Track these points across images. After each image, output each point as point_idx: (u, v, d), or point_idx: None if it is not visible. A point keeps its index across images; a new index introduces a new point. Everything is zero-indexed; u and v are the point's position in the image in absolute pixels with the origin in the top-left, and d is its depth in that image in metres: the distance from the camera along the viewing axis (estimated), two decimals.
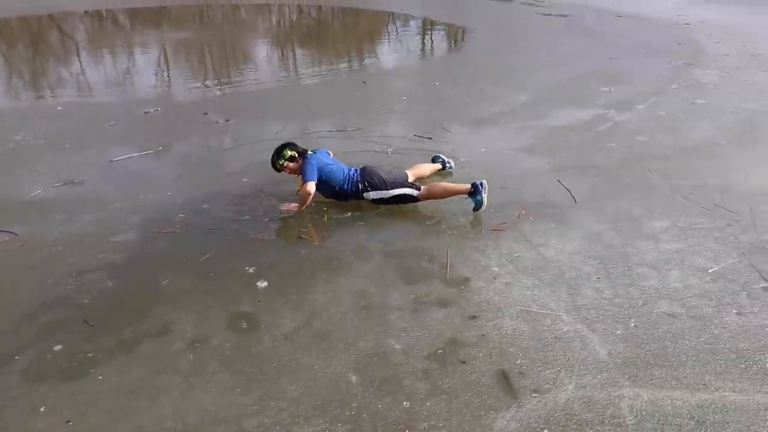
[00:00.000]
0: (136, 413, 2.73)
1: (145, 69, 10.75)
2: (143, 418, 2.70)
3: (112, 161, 5.76)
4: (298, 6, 20.56)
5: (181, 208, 4.75)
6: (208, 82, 9.55)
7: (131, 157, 5.85)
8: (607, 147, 6.05)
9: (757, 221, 4.37)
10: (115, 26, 17.12)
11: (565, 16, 15.95)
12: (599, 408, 2.71)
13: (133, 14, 18.62)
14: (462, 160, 5.63)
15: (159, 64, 11.13)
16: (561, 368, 2.96)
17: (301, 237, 4.27)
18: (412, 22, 16.73)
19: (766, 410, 2.67)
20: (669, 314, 3.36)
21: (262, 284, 3.70)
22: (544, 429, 2.60)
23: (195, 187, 5.19)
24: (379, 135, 6.46)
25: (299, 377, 2.93)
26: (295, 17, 19.03)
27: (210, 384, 2.90)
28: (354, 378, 2.92)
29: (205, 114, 7.37)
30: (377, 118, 7.14)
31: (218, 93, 8.98)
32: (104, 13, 18.53)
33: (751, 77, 8.88)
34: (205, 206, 4.78)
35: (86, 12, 18.53)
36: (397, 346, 3.13)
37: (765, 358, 3.00)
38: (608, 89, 8.30)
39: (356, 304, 3.49)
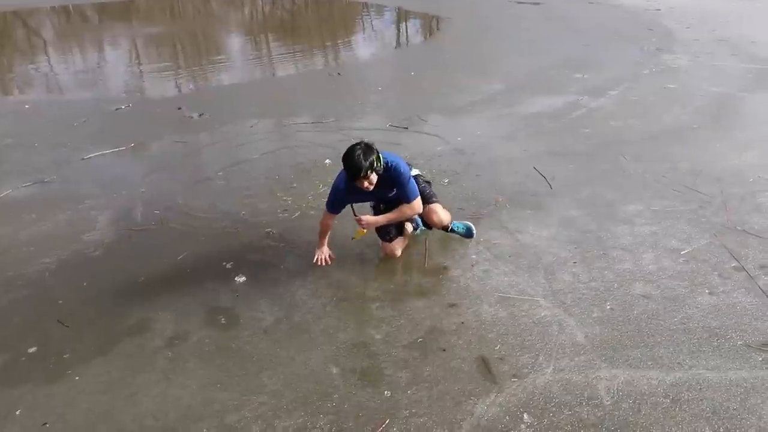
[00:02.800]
0: (115, 413, 2.70)
1: (116, 65, 10.56)
2: (122, 417, 2.67)
3: (83, 159, 5.66)
4: None
5: (155, 204, 4.69)
6: (180, 77, 9.41)
7: (103, 155, 5.75)
8: (581, 133, 6.11)
9: (727, 203, 4.45)
10: (83, 21, 16.77)
11: (537, 3, 16.02)
12: (577, 390, 2.75)
13: (101, 9, 18.25)
14: (438, 149, 5.64)
15: (129, 60, 10.93)
16: (539, 352, 3.00)
17: (270, 233, 4.24)
18: (386, 12, 16.66)
19: (738, 386, 2.74)
20: (644, 296, 3.42)
21: (240, 279, 3.67)
22: (523, 413, 2.63)
23: (169, 183, 5.12)
24: (355, 126, 6.43)
25: (280, 371, 2.92)
26: (267, 9, 18.83)
27: (190, 380, 2.88)
28: (335, 369, 2.93)
29: (179, 109, 7.28)
30: (353, 109, 7.12)
31: (192, 88, 8.87)
32: (71, 9, 18.13)
33: (720, 61, 9.02)
34: (180, 202, 4.73)
35: (53, 8, 18.10)
36: (378, 336, 3.14)
37: (736, 336, 3.06)
38: (581, 76, 8.37)
39: (335, 295, 3.48)
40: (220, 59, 10.82)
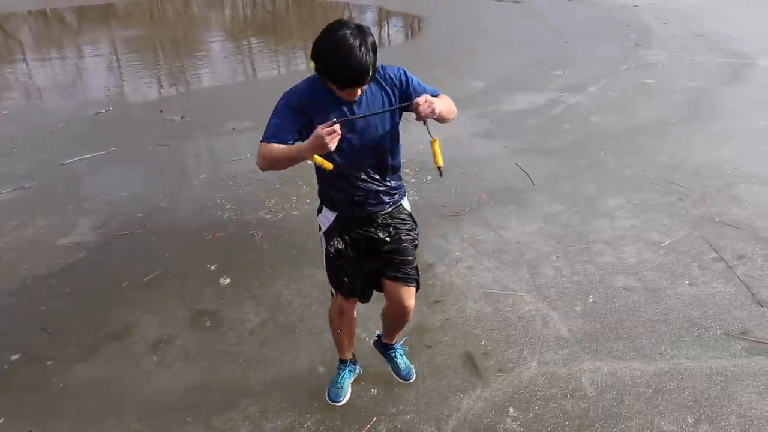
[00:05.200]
0: (101, 418, 2.68)
1: (95, 69, 10.46)
2: (108, 422, 2.66)
3: (63, 164, 5.60)
4: None
5: (138, 208, 4.66)
6: (162, 80, 9.34)
7: (83, 159, 5.69)
8: (562, 129, 6.17)
9: (706, 195, 4.53)
10: (62, 26, 16.57)
11: (518, 2, 16.14)
12: (562, 383, 2.78)
13: (80, 13, 18.05)
14: (420, 147, 5.66)
15: (109, 64, 10.83)
16: (524, 347, 3.03)
17: (254, 234, 4.23)
18: (367, 12, 16.68)
19: (718, 375, 2.79)
20: (625, 288, 3.47)
21: (225, 281, 3.67)
22: (509, 407, 2.66)
23: (152, 186, 5.09)
24: None
25: (266, 371, 2.92)
26: (249, 11, 18.75)
27: (176, 384, 2.86)
28: (321, 369, 2.93)
29: (160, 112, 7.23)
30: None
31: (173, 90, 8.81)
32: (49, 13, 17.91)
33: (696, 56, 9.15)
34: (163, 205, 4.70)
35: (30, 12, 17.86)
36: (364, 335, 3.15)
37: (716, 325, 3.12)
38: (561, 73, 8.45)
39: (321, 295, 3.48)
40: (202, 62, 10.76)
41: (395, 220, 2.42)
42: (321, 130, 1.97)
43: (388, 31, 14.20)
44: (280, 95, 2.19)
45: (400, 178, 2.45)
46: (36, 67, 10.84)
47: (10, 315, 3.45)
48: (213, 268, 3.81)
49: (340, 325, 2.66)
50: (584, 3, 15.52)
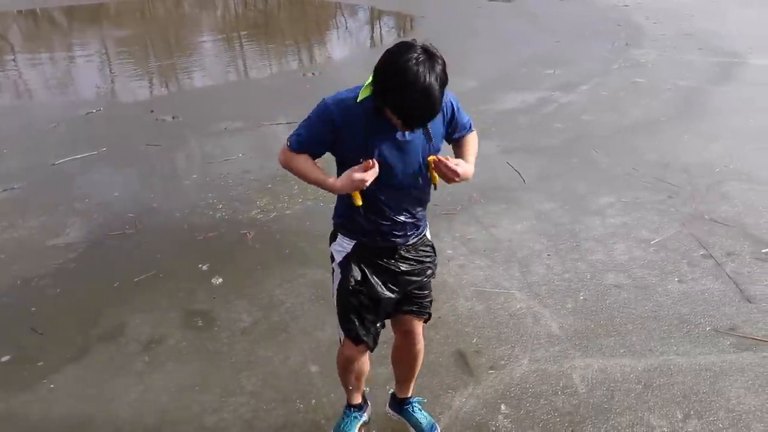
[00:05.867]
0: (92, 420, 2.67)
1: (86, 69, 10.40)
2: (99, 424, 2.65)
3: (54, 164, 5.57)
4: None
5: (129, 208, 4.64)
6: (153, 80, 9.31)
7: (74, 159, 5.67)
8: (553, 128, 6.19)
9: (695, 193, 4.56)
10: (52, 25, 16.48)
11: (509, 1, 16.17)
12: (552, 380, 2.80)
13: (70, 12, 17.94)
14: None
15: (100, 63, 10.78)
16: (515, 344, 3.04)
17: (246, 234, 4.23)
18: (359, 12, 16.67)
19: (707, 370, 2.82)
20: (616, 285, 3.49)
21: (217, 281, 3.66)
22: (500, 404, 2.67)
23: (143, 186, 5.08)
24: None
25: (258, 371, 2.92)
26: (240, 10, 18.70)
27: (168, 384, 2.86)
28: (314, 368, 2.94)
29: (152, 112, 7.20)
30: None
31: (164, 90, 8.78)
32: (39, 12, 17.79)
33: (686, 55, 9.21)
34: (154, 205, 4.69)
35: (20, 12, 17.74)
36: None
37: (705, 321, 3.15)
38: (553, 72, 8.48)
39: (313, 294, 3.49)
40: (193, 61, 10.73)
41: (419, 252, 2.22)
42: (356, 174, 1.86)
43: (380, 31, 14.21)
44: (323, 98, 1.94)
45: (426, 208, 2.24)
46: (26, 67, 10.77)
47: (1, 316, 3.43)
48: (205, 268, 3.80)
49: (350, 373, 2.41)
50: (576, 2, 15.58)
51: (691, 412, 2.58)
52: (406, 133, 1.92)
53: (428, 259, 2.27)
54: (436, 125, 1.99)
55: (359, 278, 2.15)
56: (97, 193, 4.94)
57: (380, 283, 2.16)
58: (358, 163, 1.88)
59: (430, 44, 1.78)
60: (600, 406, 2.64)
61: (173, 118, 6.94)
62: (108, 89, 8.88)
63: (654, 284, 3.49)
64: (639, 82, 7.79)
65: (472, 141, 2.20)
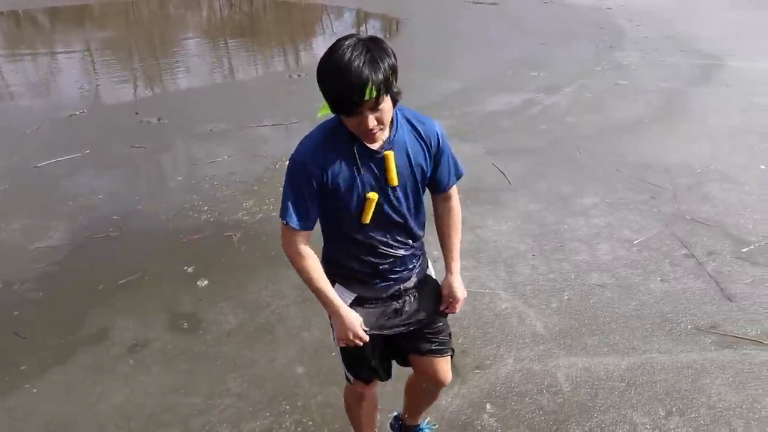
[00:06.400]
0: (76, 423, 2.65)
1: (69, 70, 10.30)
2: (83, 427, 2.63)
3: (36, 167, 5.51)
4: (229, 0, 20.10)
5: (114, 211, 4.61)
6: (137, 82, 9.24)
7: (57, 162, 5.61)
8: (537, 129, 6.25)
9: (677, 193, 4.62)
10: (34, 27, 16.29)
11: (494, 4, 16.27)
12: (537, 379, 2.83)
13: (54, 14, 17.75)
14: None
15: (84, 65, 10.68)
16: (500, 344, 3.07)
17: (232, 236, 4.22)
18: (345, 14, 16.68)
19: (689, 368, 2.86)
20: (599, 285, 3.53)
21: (203, 283, 3.65)
22: (486, 403, 2.69)
23: (128, 188, 5.04)
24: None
25: (244, 373, 2.92)
26: (225, 12, 18.62)
27: (153, 387, 2.85)
28: (300, 369, 2.94)
29: (136, 114, 7.15)
30: (313, 111, 7.08)
31: (149, 92, 8.72)
32: (21, 14, 17.58)
33: (668, 57, 9.33)
34: (139, 207, 4.66)
35: (1, 13, 17.52)
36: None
37: (687, 320, 3.20)
38: (537, 74, 8.55)
39: (299, 296, 3.49)
40: (178, 63, 10.66)
41: (423, 289, 2.00)
42: (354, 332, 1.80)
43: (366, 33, 14.21)
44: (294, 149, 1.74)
45: (424, 230, 1.95)
46: (8, 69, 10.64)
47: None
48: (190, 270, 3.79)
49: (359, 411, 2.25)
50: (559, 5, 15.72)
51: (673, 410, 2.62)
52: (380, 156, 1.68)
53: (434, 295, 2.03)
54: (418, 155, 1.76)
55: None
56: (80, 196, 4.90)
57: (383, 327, 1.95)
58: (337, 205, 1.71)
59: (375, 36, 1.62)
60: (584, 404, 2.66)
61: (158, 120, 6.90)
62: (92, 91, 8.80)
63: (637, 284, 3.54)
64: (622, 84, 7.88)
65: (457, 218, 1.99)
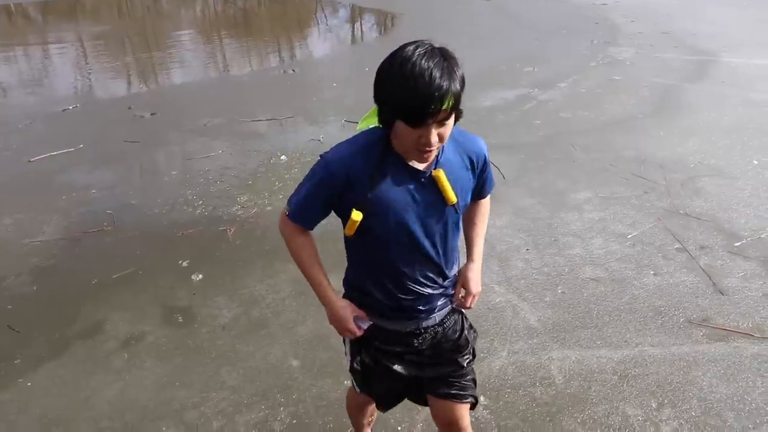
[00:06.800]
0: (70, 416, 2.65)
1: (62, 65, 10.24)
2: (77, 420, 2.63)
3: (30, 161, 5.49)
4: None
5: (108, 205, 4.60)
6: (131, 77, 9.20)
7: (51, 156, 5.59)
8: (532, 125, 6.26)
9: (670, 188, 4.65)
10: (26, 21, 16.18)
11: None
12: (531, 371, 2.84)
13: (46, 8, 17.63)
14: None
15: (76, 60, 10.61)
16: (494, 337, 3.08)
17: (227, 230, 4.22)
18: (340, 9, 16.64)
19: (681, 360, 2.88)
20: (593, 279, 3.55)
21: (197, 277, 3.65)
22: (480, 395, 2.70)
23: (122, 183, 5.02)
24: (310, 122, 6.43)
25: (239, 366, 2.92)
26: (220, 6, 18.54)
27: (147, 380, 2.85)
28: (295, 362, 2.94)
29: (129, 108, 7.12)
30: (308, 105, 7.10)
31: (143, 87, 8.68)
32: (12, 8, 17.46)
33: (663, 53, 9.36)
34: (133, 202, 4.65)
35: None
36: None
37: (679, 313, 3.22)
38: (532, 69, 8.56)
39: (294, 289, 3.49)
40: (172, 58, 10.62)
41: (447, 329, 1.85)
42: (350, 325, 1.74)
43: (361, 28, 14.20)
44: (322, 155, 1.60)
45: (456, 268, 1.83)
46: (0, 63, 10.57)
47: None
48: (185, 264, 3.79)
49: (360, 416, 2.28)
50: (554, 1, 15.73)
51: (665, 402, 2.64)
52: (424, 179, 1.57)
53: (461, 334, 1.89)
54: (463, 177, 1.65)
55: (369, 363, 1.88)
56: (74, 190, 4.88)
57: (396, 363, 1.86)
58: (367, 215, 1.57)
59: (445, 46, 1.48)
60: (577, 396, 2.68)
61: (152, 114, 6.87)
62: (85, 86, 8.76)
63: (630, 277, 3.56)
64: (616, 80, 7.90)
65: (485, 212, 1.92)
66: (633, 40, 10.42)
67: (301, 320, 3.24)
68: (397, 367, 1.85)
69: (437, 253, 1.69)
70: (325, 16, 15.79)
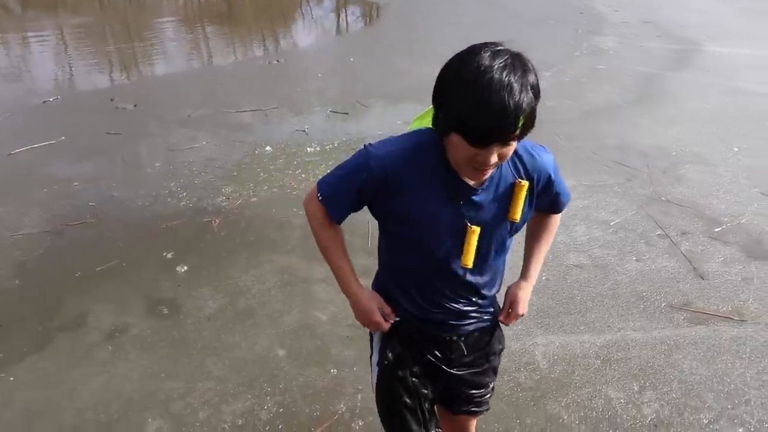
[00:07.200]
0: (54, 409, 2.64)
1: (42, 57, 10.08)
2: (61, 413, 2.62)
3: (10, 154, 5.41)
4: None
5: (90, 198, 4.55)
6: (113, 68, 9.09)
7: (32, 149, 5.51)
8: None
9: (652, 175, 4.70)
10: (5, 12, 15.90)
11: None
12: (516, 357, 2.87)
13: None
14: (379, 133, 5.69)
15: (57, 51, 10.45)
16: None
17: (211, 222, 4.20)
18: (325, 0, 16.52)
19: (662, 344, 2.93)
20: (576, 265, 3.59)
21: (182, 268, 3.63)
22: None
23: (105, 175, 4.97)
24: (295, 113, 6.40)
25: (225, 356, 2.92)
26: None
27: (132, 372, 2.84)
28: (281, 352, 2.95)
29: (111, 100, 7.03)
30: (293, 96, 7.06)
31: (125, 79, 8.57)
32: None
33: (647, 43, 9.41)
34: (116, 194, 4.60)
35: None
36: (323, 317, 3.18)
37: (661, 298, 3.26)
38: None
39: (280, 280, 3.49)
40: (155, 49, 10.49)
41: (477, 341, 1.73)
42: (376, 318, 1.62)
43: (346, 19, 14.12)
44: (364, 146, 1.49)
45: (498, 285, 1.72)
46: None
47: None
48: (169, 256, 3.76)
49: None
50: None
51: (647, 384, 2.68)
52: (476, 197, 1.44)
53: (491, 349, 1.77)
54: (528, 193, 1.51)
55: (401, 354, 1.68)
56: (56, 183, 4.82)
57: (422, 369, 1.70)
58: (401, 222, 1.48)
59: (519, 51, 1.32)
60: (561, 380, 2.72)
61: (134, 106, 6.79)
62: (66, 77, 8.63)
63: (613, 264, 3.60)
64: (600, 69, 7.94)
65: (552, 228, 1.76)
66: (617, 30, 10.47)
67: (287, 310, 3.24)
68: (430, 357, 1.70)
69: (473, 273, 1.56)
70: (310, 6, 15.68)
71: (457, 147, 1.30)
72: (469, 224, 1.45)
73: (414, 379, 1.68)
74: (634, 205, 4.26)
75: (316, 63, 9.03)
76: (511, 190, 1.46)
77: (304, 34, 11.91)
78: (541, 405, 2.59)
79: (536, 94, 1.26)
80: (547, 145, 5.35)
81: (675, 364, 2.79)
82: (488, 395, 1.84)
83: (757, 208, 4.16)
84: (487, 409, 1.87)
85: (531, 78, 1.26)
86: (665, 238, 3.84)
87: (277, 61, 8.92)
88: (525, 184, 1.44)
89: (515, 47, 1.34)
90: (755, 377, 2.71)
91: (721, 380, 2.69)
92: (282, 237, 3.91)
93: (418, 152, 1.43)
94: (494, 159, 1.29)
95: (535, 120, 1.29)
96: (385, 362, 1.70)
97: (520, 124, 1.23)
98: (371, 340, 1.81)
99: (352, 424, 2.52)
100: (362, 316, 1.67)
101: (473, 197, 1.45)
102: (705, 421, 2.49)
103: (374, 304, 1.64)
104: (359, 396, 2.67)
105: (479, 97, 1.20)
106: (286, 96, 7.05)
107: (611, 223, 4.03)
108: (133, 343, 3.02)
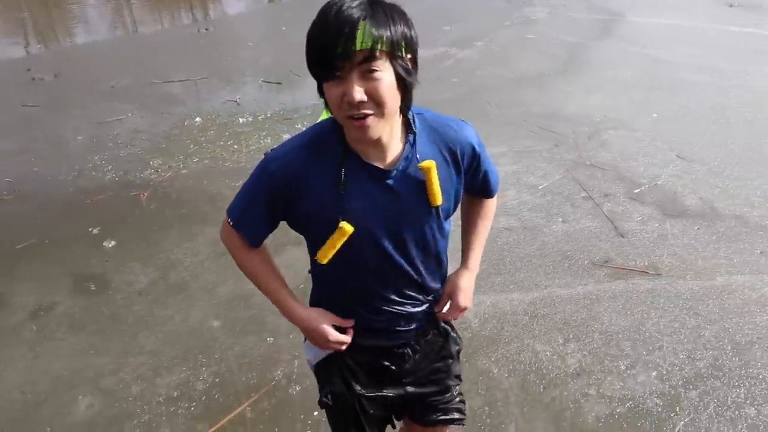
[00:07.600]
0: None
1: None
2: None
3: None
4: None
5: (7, 174, 4.31)
6: (28, 37, 8.53)
7: None
8: (450, 83, 6.35)
9: (578, 141, 4.88)
10: None
11: None
12: None
13: None
14: (311, 103, 5.64)
15: None
16: None
17: (140, 195, 4.07)
18: None
19: (585, 299, 3.09)
20: (506, 228, 3.71)
21: (110, 244, 3.52)
22: None
23: (22, 150, 4.71)
24: (226, 83, 6.23)
25: (157, 330, 2.87)
26: None
27: (60, 350, 2.76)
28: (216, 323, 2.93)
29: (28, 71, 6.62)
30: (223, 65, 6.86)
31: (43, 49, 8.08)
32: None
33: (575, 14, 9.65)
34: (35, 169, 4.38)
35: None
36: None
37: (584, 257, 3.43)
38: (449, 28, 8.62)
39: (213, 251, 3.45)
40: (74, 16, 9.90)
41: (430, 344, 1.59)
42: (333, 336, 1.45)
43: None
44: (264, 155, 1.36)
45: (444, 276, 1.59)
46: None
47: None
48: (95, 231, 3.64)
49: None
50: None
51: (571, 337, 2.84)
52: (390, 180, 1.31)
53: (446, 352, 1.63)
54: (442, 175, 1.36)
55: (342, 392, 1.55)
56: None
57: (374, 381, 1.57)
58: (319, 226, 1.33)
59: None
60: (491, 337, 2.83)
61: (54, 76, 6.43)
62: None
63: (540, 225, 3.74)
64: (529, 38, 8.10)
65: (489, 213, 1.67)
66: (548, 1, 10.67)
67: (221, 281, 3.21)
68: (379, 394, 1.56)
69: (414, 267, 1.43)
70: None
71: (329, 98, 1.20)
72: (340, 220, 1.29)
73: (362, 408, 1.56)
74: (561, 169, 4.43)
75: (247, 31, 8.78)
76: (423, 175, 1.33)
77: (233, 1, 11.52)
78: (473, 361, 2.69)
79: (385, 21, 1.18)
80: (477, 112, 5.49)
81: (596, 317, 2.96)
82: (455, 400, 1.68)
83: (672, 170, 4.41)
84: (461, 419, 1.69)
85: (382, 7, 1.21)
86: (589, 200, 4.02)
87: (206, 29, 8.62)
88: (431, 163, 1.31)
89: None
90: (668, 325, 2.92)
91: (638, 330, 2.88)
92: (215, 209, 3.84)
93: (317, 143, 1.31)
94: (359, 94, 1.16)
95: (395, 50, 1.20)
96: (327, 405, 1.59)
97: (364, 42, 1.13)
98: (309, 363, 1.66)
99: (290, 390, 2.55)
100: (319, 340, 1.47)
101: (387, 181, 1.31)
102: (623, 368, 2.67)
103: (326, 321, 1.46)
104: (296, 362, 2.69)
105: (318, 22, 1.17)
106: (216, 66, 6.84)
107: (539, 187, 4.18)
108: (60, 322, 2.93)
